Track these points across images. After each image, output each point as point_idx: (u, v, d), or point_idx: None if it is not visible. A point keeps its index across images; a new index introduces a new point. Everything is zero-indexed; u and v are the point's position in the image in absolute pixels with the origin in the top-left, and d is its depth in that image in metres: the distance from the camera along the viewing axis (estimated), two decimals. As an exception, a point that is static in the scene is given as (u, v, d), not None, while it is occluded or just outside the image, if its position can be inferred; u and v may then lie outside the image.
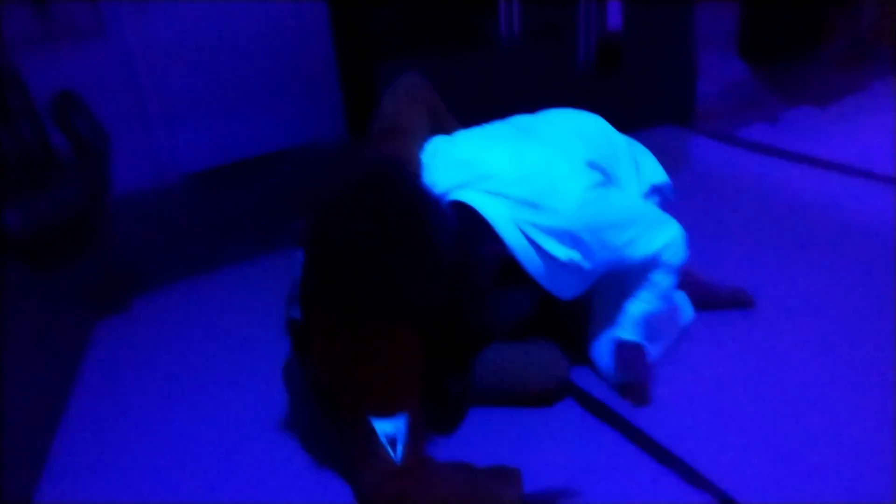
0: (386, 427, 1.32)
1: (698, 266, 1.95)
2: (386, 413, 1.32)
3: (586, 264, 1.48)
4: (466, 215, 1.43)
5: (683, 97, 3.28)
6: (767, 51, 4.02)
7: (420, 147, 1.56)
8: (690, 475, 1.44)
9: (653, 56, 3.18)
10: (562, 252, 1.45)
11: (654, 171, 1.77)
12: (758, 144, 3.03)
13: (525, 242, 1.45)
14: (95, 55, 2.80)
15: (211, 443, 1.67)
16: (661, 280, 1.59)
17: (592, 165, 1.55)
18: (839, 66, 3.99)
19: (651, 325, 1.66)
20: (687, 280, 1.87)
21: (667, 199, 1.80)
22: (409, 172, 1.43)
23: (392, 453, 1.32)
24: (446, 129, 1.64)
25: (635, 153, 1.74)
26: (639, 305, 1.61)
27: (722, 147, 3.08)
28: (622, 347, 1.64)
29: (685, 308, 1.87)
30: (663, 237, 1.55)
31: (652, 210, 1.63)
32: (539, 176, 1.46)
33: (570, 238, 1.45)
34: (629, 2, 3.04)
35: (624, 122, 1.84)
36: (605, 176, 1.58)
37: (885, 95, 3.48)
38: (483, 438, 1.59)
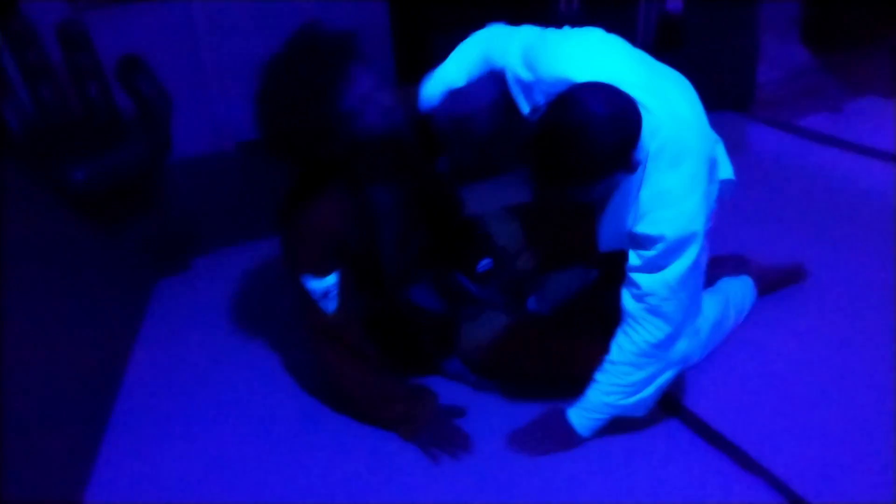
0: (316, 285, 1.46)
1: (754, 252, 1.94)
2: (317, 273, 1.46)
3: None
4: None
5: (743, 83, 3.20)
6: (832, 37, 3.88)
7: None
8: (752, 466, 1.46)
9: (713, 38, 3.09)
10: None
11: (722, 166, 1.64)
12: (819, 134, 2.94)
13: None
14: (159, 20, 2.85)
15: (268, 407, 1.72)
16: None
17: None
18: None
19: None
20: (751, 267, 1.86)
21: (724, 197, 1.65)
22: None
23: (325, 306, 1.48)
24: None
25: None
26: (599, 395, 1.49)
27: (781, 135, 3.00)
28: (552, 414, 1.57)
29: (747, 297, 1.84)
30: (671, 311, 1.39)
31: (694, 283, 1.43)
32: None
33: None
34: None
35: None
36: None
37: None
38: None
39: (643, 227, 1.34)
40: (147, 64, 2.30)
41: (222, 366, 1.85)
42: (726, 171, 1.67)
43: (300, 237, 1.47)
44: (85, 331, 1.75)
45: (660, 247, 1.34)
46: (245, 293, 2.15)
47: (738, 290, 1.84)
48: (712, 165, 1.43)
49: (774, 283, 1.92)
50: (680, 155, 1.33)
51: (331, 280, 1.46)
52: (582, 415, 1.51)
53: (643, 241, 1.35)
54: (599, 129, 1.23)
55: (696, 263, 1.38)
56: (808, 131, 2.99)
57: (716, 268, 1.80)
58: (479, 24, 1.57)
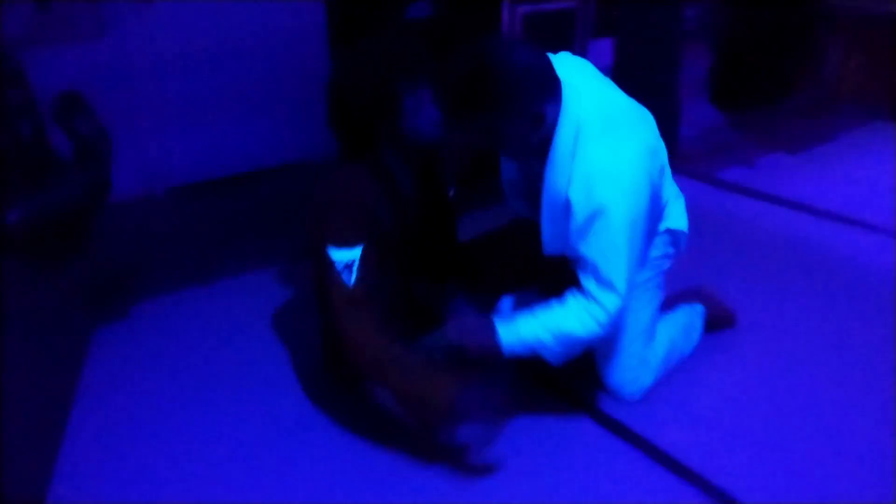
0: (341, 256, 1.54)
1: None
2: (342, 244, 1.55)
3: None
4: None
5: (668, 139, 3.39)
6: (737, 99, 4.22)
7: None
8: (690, 476, 1.54)
9: (640, 97, 3.30)
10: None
11: (676, 216, 1.81)
12: (736, 185, 3.17)
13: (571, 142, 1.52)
14: (94, 57, 2.78)
15: (213, 450, 1.66)
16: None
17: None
18: (804, 115, 4.22)
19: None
20: (704, 295, 2.01)
21: (678, 249, 1.83)
22: None
23: (346, 278, 1.53)
24: None
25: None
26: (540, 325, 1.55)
27: (703, 187, 3.20)
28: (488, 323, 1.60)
29: (696, 324, 1.97)
30: (602, 292, 1.50)
31: (624, 264, 1.52)
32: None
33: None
34: (619, 42, 3.17)
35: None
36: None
37: (852, 145, 3.68)
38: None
39: (574, 192, 1.48)
40: (86, 102, 2.23)
41: (164, 416, 1.77)
42: (682, 222, 1.79)
43: (335, 207, 1.59)
44: (20, 383, 1.64)
45: (585, 211, 1.47)
46: (188, 342, 2.08)
47: (688, 318, 1.95)
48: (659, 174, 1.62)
49: (715, 321, 2.03)
50: (612, 130, 1.52)
51: (355, 253, 1.53)
52: (511, 334, 1.55)
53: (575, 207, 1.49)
54: (505, 58, 1.45)
55: (629, 240, 1.50)
56: (726, 183, 3.21)
57: (673, 299, 1.97)
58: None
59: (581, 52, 3.07)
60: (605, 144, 1.49)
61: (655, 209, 1.65)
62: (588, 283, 1.51)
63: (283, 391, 1.85)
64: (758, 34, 4.11)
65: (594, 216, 1.47)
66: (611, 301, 1.50)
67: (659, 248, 1.80)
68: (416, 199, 1.75)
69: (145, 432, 1.71)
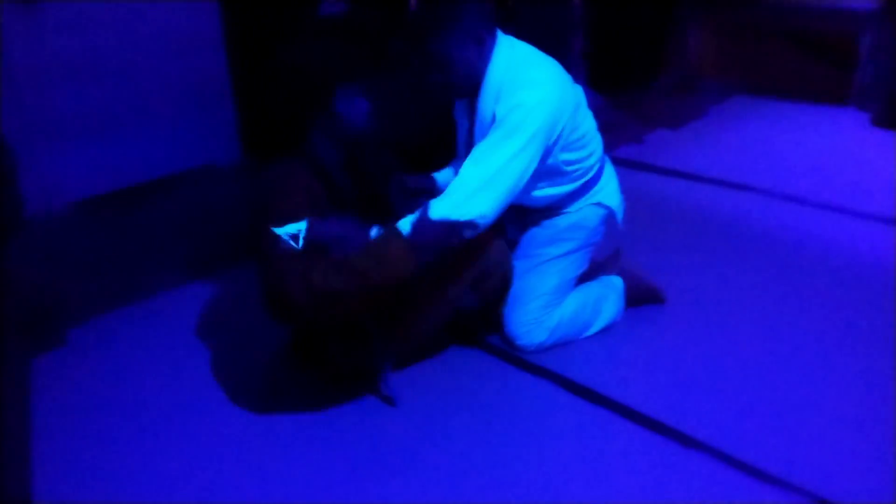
0: (287, 229, 1.53)
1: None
2: (286, 222, 1.54)
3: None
4: None
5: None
6: (612, 81, 4.52)
7: None
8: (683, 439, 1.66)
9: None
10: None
11: (609, 193, 1.98)
12: (630, 161, 3.42)
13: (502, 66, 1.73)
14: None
15: (182, 464, 1.63)
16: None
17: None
18: (673, 93, 4.60)
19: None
20: (624, 269, 2.14)
21: (604, 228, 2.00)
22: None
23: (294, 244, 1.52)
24: None
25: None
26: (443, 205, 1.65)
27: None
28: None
29: (611, 300, 2.08)
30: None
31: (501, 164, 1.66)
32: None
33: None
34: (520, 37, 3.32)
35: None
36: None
37: (723, 117, 4.08)
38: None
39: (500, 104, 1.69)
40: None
41: (118, 439, 1.70)
42: (614, 201, 1.97)
43: (276, 196, 1.60)
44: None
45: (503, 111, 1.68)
46: (133, 361, 1.99)
47: (601, 290, 2.07)
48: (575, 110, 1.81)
49: (639, 296, 2.16)
50: (537, 60, 1.78)
51: (300, 224, 1.54)
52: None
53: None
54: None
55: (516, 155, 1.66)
56: (621, 159, 3.45)
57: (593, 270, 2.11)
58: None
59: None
60: (531, 67, 1.74)
61: (567, 138, 1.80)
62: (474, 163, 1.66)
63: (246, 394, 1.84)
64: (626, 20, 4.40)
65: (509, 111, 1.66)
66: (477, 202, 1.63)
67: (589, 218, 1.95)
68: (351, 192, 1.77)
69: (112, 458, 1.63)
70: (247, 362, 1.99)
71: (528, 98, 1.66)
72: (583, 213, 1.94)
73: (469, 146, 1.81)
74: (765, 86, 4.50)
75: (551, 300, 1.94)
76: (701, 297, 2.24)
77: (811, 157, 3.48)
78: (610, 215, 1.99)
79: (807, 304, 2.19)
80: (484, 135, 1.71)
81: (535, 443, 1.67)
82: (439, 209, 1.59)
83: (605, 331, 2.06)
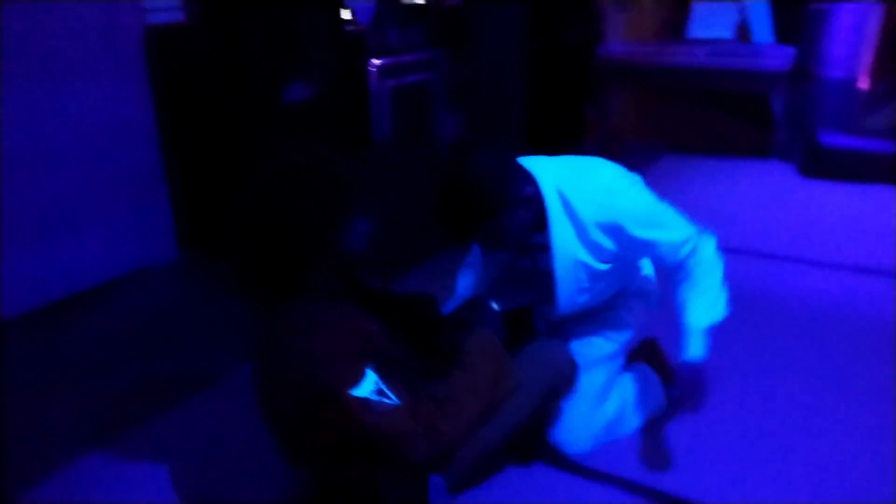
0: (364, 388, 1.32)
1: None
2: (357, 379, 1.32)
3: (612, 247, 1.60)
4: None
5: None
6: (539, 150, 4.57)
7: None
8: None
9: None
10: (593, 217, 1.57)
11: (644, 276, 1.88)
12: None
13: (559, 202, 1.57)
14: None
15: None
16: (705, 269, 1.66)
17: None
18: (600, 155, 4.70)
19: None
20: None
21: (646, 304, 1.88)
22: None
23: (388, 400, 1.33)
24: None
25: None
26: (700, 314, 1.65)
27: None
28: (687, 368, 1.66)
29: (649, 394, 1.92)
30: (685, 237, 1.63)
31: (673, 215, 1.66)
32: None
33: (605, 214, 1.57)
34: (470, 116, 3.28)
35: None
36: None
37: (660, 177, 4.18)
38: None
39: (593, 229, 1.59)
40: None
41: None
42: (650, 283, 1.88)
43: (323, 356, 1.31)
44: None
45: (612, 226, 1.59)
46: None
47: (641, 385, 1.90)
48: None
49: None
50: (583, 172, 1.65)
51: (371, 377, 1.33)
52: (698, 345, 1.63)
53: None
54: (477, 168, 1.49)
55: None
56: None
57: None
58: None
59: (440, 119, 3.10)
60: (589, 183, 1.61)
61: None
62: (675, 253, 1.62)
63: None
64: (552, 87, 4.48)
65: (617, 222, 1.57)
66: (698, 241, 1.65)
67: (631, 305, 1.85)
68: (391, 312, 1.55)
69: None
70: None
71: (620, 203, 1.58)
72: (625, 301, 1.82)
73: (511, 290, 1.74)
74: (688, 145, 4.70)
75: (598, 400, 1.79)
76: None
77: (755, 210, 3.61)
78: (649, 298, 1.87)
79: (766, 350, 2.26)
80: (569, 270, 1.62)
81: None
82: (706, 318, 1.62)
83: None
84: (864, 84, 4.29)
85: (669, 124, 4.88)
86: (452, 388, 1.42)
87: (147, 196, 2.97)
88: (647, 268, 1.90)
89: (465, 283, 1.93)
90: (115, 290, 2.84)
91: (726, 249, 2.64)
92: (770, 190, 3.92)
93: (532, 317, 1.83)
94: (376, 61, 2.61)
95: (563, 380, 1.65)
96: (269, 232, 1.36)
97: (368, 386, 1.33)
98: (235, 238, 1.40)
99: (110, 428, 1.94)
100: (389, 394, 1.34)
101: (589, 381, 1.76)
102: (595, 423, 1.78)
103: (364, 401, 1.31)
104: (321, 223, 1.36)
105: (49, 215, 2.66)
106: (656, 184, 4.08)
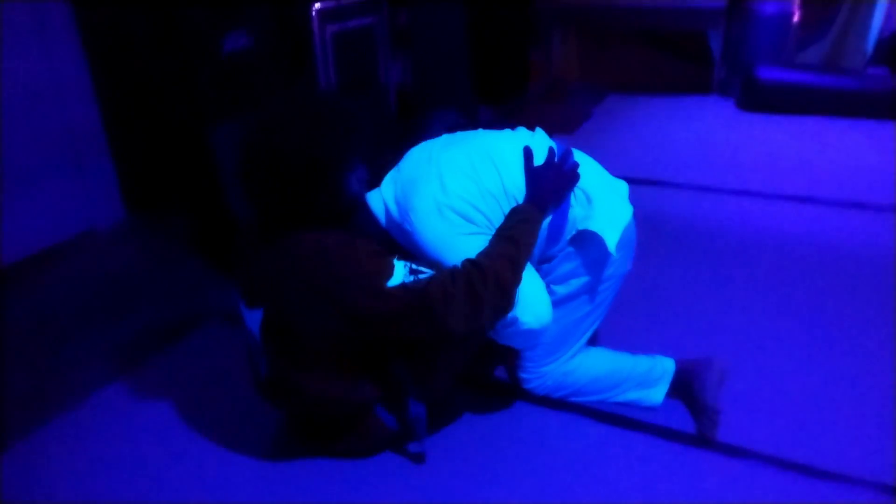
0: (399, 272, 1.42)
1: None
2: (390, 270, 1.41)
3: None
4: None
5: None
6: (487, 94, 4.58)
7: None
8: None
9: (440, 104, 3.41)
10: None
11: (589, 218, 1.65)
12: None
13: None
14: None
15: None
16: None
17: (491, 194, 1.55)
18: (544, 100, 4.73)
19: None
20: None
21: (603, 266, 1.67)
22: None
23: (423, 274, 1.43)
24: None
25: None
26: None
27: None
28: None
29: (651, 382, 1.80)
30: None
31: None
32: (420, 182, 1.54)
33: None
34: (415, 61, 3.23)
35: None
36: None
37: (608, 117, 4.24)
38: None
39: None
40: None
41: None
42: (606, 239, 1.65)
43: (350, 262, 1.38)
44: None
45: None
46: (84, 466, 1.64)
47: (645, 371, 1.79)
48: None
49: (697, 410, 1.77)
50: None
51: (399, 263, 1.43)
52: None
53: None
54: None
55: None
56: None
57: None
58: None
59: (384, 65, 3.05)
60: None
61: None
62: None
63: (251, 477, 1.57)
64: (491, 33, 4.46)
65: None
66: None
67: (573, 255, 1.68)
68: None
69: None
70: (238, 444, 1.70)
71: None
72: (565, 253, 1.67)
73: None
74: (629, 84, 4.76)
75: (555, 347, 1.72)
76: (670, 296, 2.27)
77: (698, 144, 3.71)
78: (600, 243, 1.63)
79: (714, 280, 2.37)
80: None
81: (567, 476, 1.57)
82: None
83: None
84: (797, 18, 4.40)
85: (612, 64, 4.92)
86: (491, 255, 1.44)
87: (89, 157, 2.88)
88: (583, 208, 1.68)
89: None
90: (64, 253, 2.77)
91: (671, 184, 2.72)
92: (711, 124, 4.03)
93: None
94: (317, 5, 2.54)
95: None
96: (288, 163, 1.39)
97: (400, 271, 1.41)
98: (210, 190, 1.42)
99: (71, 393, 1.93)
100: (422, 269, 1.43)
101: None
102: (556, 369, 1.74)
103: (403, 288, 1.38)
104: (333, 153, 1.42)
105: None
106: (601, 123, 4.17)
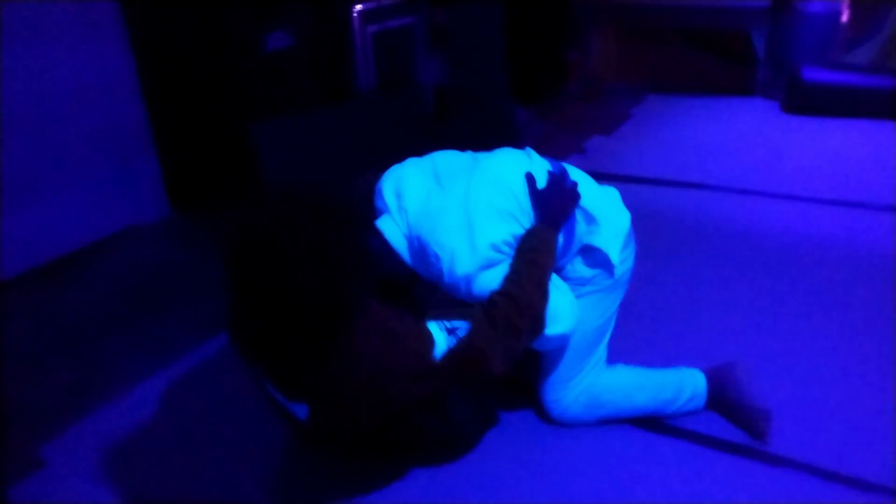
0: (438, 336, 1.40)
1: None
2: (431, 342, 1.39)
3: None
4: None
5: (509, 136, 3.55)
6: (523, 94, 4.55)
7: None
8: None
9: (477, 104, 3.41)
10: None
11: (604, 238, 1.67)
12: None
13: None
14: None
15: None
16: None
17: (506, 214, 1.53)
18: (581, 101, 4.69)
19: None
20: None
21: (602, 271, 1.68)
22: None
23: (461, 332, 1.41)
24: None
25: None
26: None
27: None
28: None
29: (685, 392, 1.77)
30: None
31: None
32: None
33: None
34: (452, 60, 3.24)
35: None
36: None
37: (645, 118, 4.18)
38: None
39: None
40: None
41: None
42: (609, 246, 1.68)
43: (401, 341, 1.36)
44: None
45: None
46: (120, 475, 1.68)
47: (677, 384, 1.77)
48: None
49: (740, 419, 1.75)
50: None
51: (440, 332, 1.41)
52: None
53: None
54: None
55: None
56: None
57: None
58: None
59: (422, 64, 3.07)
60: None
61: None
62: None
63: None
64: (528, 32, 4.44)
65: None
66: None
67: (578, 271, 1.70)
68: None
69: None
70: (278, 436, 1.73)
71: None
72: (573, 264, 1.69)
73: None
74: (669, 84, 4.69)
75: (576, 357, 1.69)
76: (692, 297, 2.24)
77: (740, 147, 3.63)
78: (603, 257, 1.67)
79: (755, 285, 2.32)
80: None
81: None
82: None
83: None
84: (845, 18, 4.28)
85: (652, 64, 4.86)
86: (520, 283, 1.44)
87: (134, 154, 2.95)
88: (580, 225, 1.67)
89: None
90: (108, 248, 2.85)
91: (712, 188, 2.69)
92: (753, 127, 3.95)
93: None
94: (358, 6, 2.57)
95: None
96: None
97: (440, 337, 1.40)
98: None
99: (110, 386, 1.97)
100: (455, 324, 1.41)
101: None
102: (577, 386, 1.71)
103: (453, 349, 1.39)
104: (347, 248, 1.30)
105: (36, 177, 2.63)
106: (640, 124, 4.11)
